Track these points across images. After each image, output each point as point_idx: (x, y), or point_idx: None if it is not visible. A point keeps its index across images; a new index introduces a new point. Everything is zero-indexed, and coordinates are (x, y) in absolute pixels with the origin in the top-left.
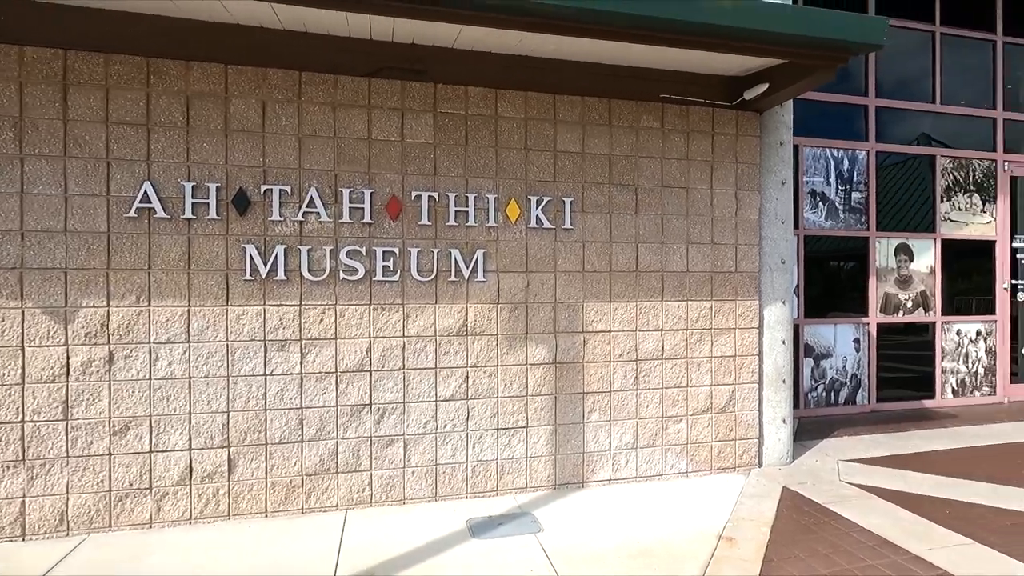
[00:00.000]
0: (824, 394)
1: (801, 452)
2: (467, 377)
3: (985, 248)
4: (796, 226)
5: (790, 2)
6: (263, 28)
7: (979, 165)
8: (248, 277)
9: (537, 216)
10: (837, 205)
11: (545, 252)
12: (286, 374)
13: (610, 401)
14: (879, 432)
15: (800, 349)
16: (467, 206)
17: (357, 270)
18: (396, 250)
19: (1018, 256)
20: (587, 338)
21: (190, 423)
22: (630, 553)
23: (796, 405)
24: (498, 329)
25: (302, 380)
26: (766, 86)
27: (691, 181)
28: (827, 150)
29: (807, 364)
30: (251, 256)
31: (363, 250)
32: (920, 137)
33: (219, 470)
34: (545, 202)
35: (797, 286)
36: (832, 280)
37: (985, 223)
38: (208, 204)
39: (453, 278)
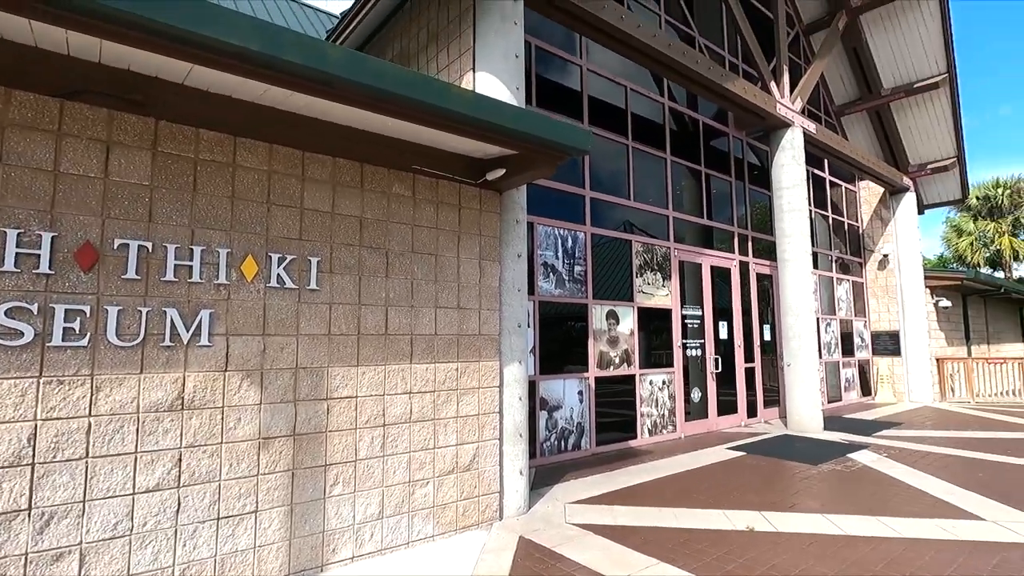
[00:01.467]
0: (556, 442)
1: (536, 500)
2: (180, 460)
3: (666, 315)
4: (532, 293)
5: (522, 105)
6: None
7: (660, 250)
8: None
9: (279, 275)
10: (564, 276)
11: (287, 314)
12: None
13: (355, 471)
14: (598, 472)
15: (536, 403)
16: (191, 260)
17: (22, 333)
18: (87, 308)
19: (686, 321)
20: (331, 405)
21: None
22: None
23: (532, 455)
24: (224, 400)
25: None
26: (503, 171)
27: (440, 249)
28: (556, 229)
29: (542, 416)
30: None
31: (34, 307)
32: (624, 224)
33: None
34: (288, 260)
35: (534, 347)
36: (563, 340)
37: (665, 295)
38: None
39: (168, 342)
